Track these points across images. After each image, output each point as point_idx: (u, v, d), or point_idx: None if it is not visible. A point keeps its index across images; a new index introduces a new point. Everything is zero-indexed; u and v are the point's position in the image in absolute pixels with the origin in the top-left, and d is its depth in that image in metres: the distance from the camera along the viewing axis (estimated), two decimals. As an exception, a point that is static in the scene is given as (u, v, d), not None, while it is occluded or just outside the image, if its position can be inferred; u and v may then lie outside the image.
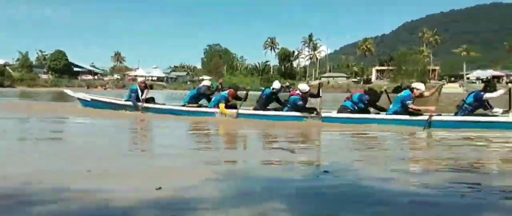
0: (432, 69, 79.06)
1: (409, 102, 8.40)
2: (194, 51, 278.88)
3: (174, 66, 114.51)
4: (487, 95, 8.00)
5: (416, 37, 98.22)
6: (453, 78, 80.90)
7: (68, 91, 13.44)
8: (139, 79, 12.66)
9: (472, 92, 8.51)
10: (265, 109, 9.95)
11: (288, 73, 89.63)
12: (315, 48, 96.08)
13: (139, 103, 10.91)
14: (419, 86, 8.72)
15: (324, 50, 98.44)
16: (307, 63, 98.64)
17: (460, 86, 70.87)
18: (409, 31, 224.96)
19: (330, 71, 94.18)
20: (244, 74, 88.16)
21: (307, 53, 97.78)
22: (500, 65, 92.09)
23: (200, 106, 10.77)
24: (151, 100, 11.26)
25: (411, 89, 8.61)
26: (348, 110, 9.08)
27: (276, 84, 10.27)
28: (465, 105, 8.27)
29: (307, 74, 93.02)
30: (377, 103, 9.26)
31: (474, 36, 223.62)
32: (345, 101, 9.39)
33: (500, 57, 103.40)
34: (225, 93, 10.29)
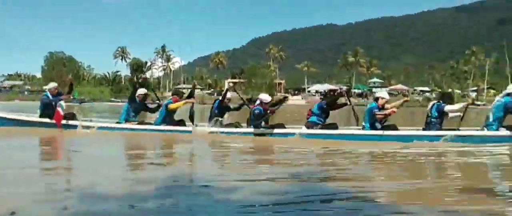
0: (278, 83, 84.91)
1: (376, 110, 8.01)
2: (32, 58, 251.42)
3: (8, 74, 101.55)
4: (448, 107, 7.88)
5: (264, 52, 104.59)
6: (296, 91, 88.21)
7: None
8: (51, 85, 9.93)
9: (433, 104, 8.23)
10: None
11: (141, 84, 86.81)
12: (168, 59, 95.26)
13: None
14: (384, 95, 8.30)
15: (178, 62, 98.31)
16: (161, 74, 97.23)
17: (302, 98, 77.60)
18: (257, 47, 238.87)
19: (184, 83, 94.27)
20: (92, 84, 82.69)
21: (160, 64, 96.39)
22: (335, 80, 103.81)
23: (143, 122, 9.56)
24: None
25: (376, 99, 8.22)
26: (319, 125, 8.38)
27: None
28: (432, 119, 7.99)
29: (160, 85, 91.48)
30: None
31: (314, 53, 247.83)
32: (307, 117, 8.62)
33: (334, 73, 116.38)
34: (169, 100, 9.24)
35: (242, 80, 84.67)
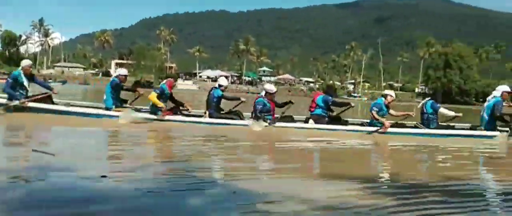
0: (169, 66, 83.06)
1: (375, 109, 8.13)
2: None
3: None
4: (442, 110, 8.43)
5: (154, 34, 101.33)
6: (187, 76, 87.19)
7: None
8: (25, 62, 7.67)
9: (426, 101, 8.63)
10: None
11: (14, 59, 78.18)
12: (47, 34, 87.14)
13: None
14: (391, 93, 8.52)
15: (57, 38, 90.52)
16: (38, 50, 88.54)
17: (193, 83, 77.10)
18: (147, 28, 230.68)
19: (65, 61, 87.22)
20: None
21: (37, 39, 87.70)
22: (226, 67, 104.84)
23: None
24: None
25: (385, 96, 8.33)
26: (325, 118, 8.18)
27: (223, 81, 8.68)
28: (429, 116, 8.37)
29: (37, 62, 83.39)
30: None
31: (205, 38, 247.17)
32: (311, 110, 8.31)
33: (226, 60, 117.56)
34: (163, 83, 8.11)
35: (130, 62, 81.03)
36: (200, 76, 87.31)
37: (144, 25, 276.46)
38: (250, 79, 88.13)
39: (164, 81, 8.18)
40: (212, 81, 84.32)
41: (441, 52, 79.99)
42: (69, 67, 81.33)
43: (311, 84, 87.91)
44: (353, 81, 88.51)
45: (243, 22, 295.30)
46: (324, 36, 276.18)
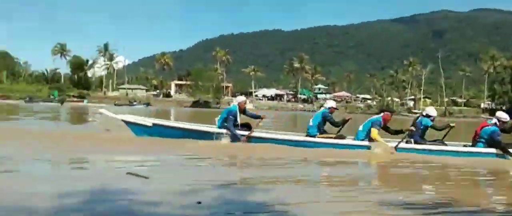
0: (225, 86, 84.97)
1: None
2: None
3: None
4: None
5: (211, 55, 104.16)
6: (244, 95, 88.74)
7: (105, 112, 9.02)
8: (240, 98, 8.65)
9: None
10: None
11: (82, 83, 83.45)
12: (111, 58, 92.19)
13: (241, 132, 8.07)
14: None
15: (121, 61, 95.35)
16: (103, 73, 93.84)
17: (249, 102, 78.17)
18: (204, 49, 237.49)
19: (128, 83, 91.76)
20: (28, 82, 78.32)
21: (103, 63, 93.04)
22: (281, 85, 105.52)
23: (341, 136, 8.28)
24: (246, 126, 8.46)
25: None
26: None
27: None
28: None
29: (103, 85, 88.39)
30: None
31: (260, 57, 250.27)
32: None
33: (281, 78, 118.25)
34: (378, 116, 8.29)
35: (188, 83, 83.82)
36: (256, 95, 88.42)
37: (202, 46, 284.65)
38: (305, 97, 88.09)
39: (380, 114, 8.37)
40: (267, 99, 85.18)
41: (506, 65, 75.87)
42: (132, 89, 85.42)
43: (369, 101, 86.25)
44: (413, 97, 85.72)
45: (296, 40, 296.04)
46: (380, 51, 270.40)
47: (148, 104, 60.68)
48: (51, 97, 62.67)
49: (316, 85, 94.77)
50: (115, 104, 57.22)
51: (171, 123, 9.09)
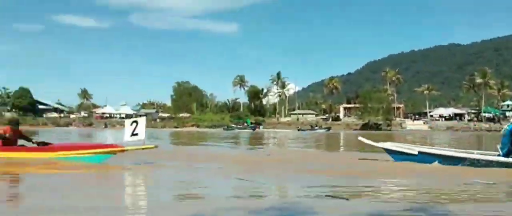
0: (397, 107, 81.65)
1: None
2: (163, 88, 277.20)
3: (143, 103, 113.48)
4: None
5: (379, 76, 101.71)
6: (416, 116, 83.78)
7: (364, 140, 9.65)
8: None
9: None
10: None
11: (258, 110, 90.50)
12: (283, 86, 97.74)
13: None
14: None
15: (292, 88, 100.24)
16: (276, 100, 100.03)
17: (424, 123, 73.47)
18: (372, 70, 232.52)
19: (299, 108, 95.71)
20: (214, 112, 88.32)
21: (276, 91, 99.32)
22: (460, 103, 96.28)
23: None
24: None
25: None
26: None
27: None
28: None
29: (276, 111, 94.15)
30: None
31: (434, 75, 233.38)
32: None
33: (459, 95, 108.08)
34: None
35: (357, 105, 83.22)
36: (431, 116, 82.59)
37: (370, 68, 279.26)
38: (491, 115, 78.58)
39: None
40: (445, 120, 78.70)
41: None
42: (302, 114, 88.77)
43: None
44: None
45: (477, 53, 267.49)
46: None
47: (329, 129, 62.49)
48: (245, 124, 70.23)
49: (504, 101, 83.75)
50: (298, 130, 60.62)
51: (444, 151, 9.02)
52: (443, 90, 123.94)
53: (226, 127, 65.37)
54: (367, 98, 78.59)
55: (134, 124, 7.94)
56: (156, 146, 8.80)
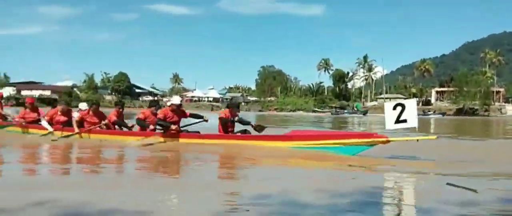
0: (496, 91, 75.26)
1: None
2: (248, 72, 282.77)
3: (229, 87, 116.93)
4: None
5: (477, 57, 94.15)
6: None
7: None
8: None
9: None
10: None
11: (343, 94, 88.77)
12: (370, 69, 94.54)
13: None
14: None
15: (379, 71, 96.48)
16: (362, 84, 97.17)
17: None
18: (470, 51, 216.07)
19: (386, 93, 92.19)
20: (298, 95, 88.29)
21: (362, 74, 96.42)
22: None
23: None
24: None
25: None
26: None
27: None
28: None
29: (362, 95, 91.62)
30: None
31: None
32: None
33: None
34: None
35: (451, 89, 78.01)
36: (537, 100, 75.06)
37: (467, 49, 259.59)
38: None
39: None
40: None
41: None
42: (390, 98, 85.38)
43: None
44: None
45: None
46: None
47: (444, 114, 59.66)
48: (355, 109, 70.22)
49: None
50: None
51: None
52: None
53: (334, 111, 65.80)
54: (463, 81, 73.38)
55: (399, 108, 6.40)
56: (436, 137, 6.83)
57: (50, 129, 9.08)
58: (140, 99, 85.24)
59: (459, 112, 64.53)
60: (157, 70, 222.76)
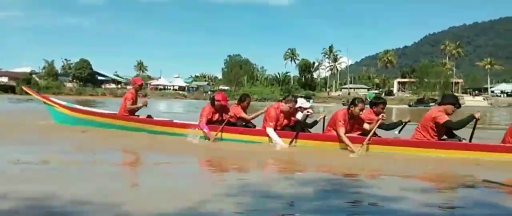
0: (455, 82, 77.99)
1: None
2: (214, 61, 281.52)
3: (195, 75, 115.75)
4: None
5: (438, 49, 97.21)
6: (476, 91, 79.73)
7: None
8: None
9: None
10: None
11: (309, 84, 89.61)
12: (335, 59, 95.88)
13: None
14: None
15: (344, 62, 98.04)
16: (328, 74, 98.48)
17: (484, 99, 69.80)
18: (431, 44, 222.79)
19: (351, 83, 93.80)
20: (264, 85, 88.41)
21: (327, 64, 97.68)
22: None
23: None
24: None
25: None
26: None
27: None
28: None
29: (327, 86, 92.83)
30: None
31: (498, 49, 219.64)
32: None
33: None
34: None
35: (412, 80, 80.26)
36: (492, 91, 78.26)
37: (428, 41, 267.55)
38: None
39: None
40: (507, 96, 74.21)
41: None
42: (354, 88, 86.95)
43: None
44: None
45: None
46: None
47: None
48: (367, 99, 69.71)
49: None
50: (409, 105, 58.87)
51: None
52: (508, 65, 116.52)
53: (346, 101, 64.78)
54: (424, 72, 75.60)
55: None
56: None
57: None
58: (103, 86, 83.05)
59: (419, 102, 66.50)
60: (121, 58, 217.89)
